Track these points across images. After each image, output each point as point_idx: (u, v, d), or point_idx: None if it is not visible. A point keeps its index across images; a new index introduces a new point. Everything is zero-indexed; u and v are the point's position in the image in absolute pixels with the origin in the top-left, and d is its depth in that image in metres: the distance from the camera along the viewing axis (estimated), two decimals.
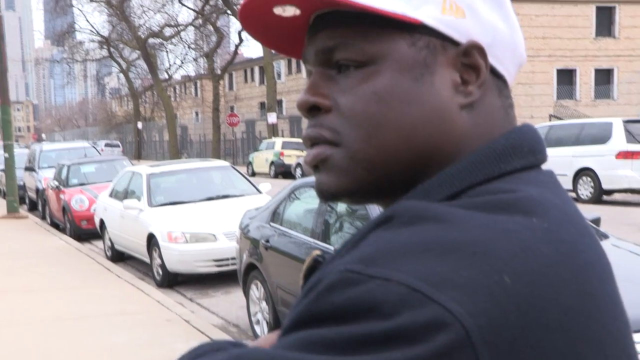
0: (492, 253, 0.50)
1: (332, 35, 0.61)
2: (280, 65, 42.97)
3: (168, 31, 39.82)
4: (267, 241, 5.25)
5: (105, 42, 42.58)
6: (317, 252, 0.71)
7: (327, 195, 0.64)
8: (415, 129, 0.60)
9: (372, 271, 0.50)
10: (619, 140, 11.80)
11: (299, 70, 42.27)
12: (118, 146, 44.13)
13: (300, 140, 26.73)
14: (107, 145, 42.55)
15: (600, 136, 12.11)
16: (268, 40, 0.69)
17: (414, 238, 0.52)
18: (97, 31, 42.89)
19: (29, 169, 15.89)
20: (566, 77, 29.31)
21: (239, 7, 0.62)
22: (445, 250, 0.50)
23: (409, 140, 0.60)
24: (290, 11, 0.63)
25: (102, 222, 9.82)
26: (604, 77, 29.76)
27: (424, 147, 0.60)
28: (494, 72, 0.63)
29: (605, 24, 29.48)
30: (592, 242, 0.57)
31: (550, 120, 23.02)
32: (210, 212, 7.86)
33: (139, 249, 8.36)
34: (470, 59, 0.61)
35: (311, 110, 0.63)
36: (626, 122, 12.11)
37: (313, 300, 0.51)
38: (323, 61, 0.63)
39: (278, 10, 0.63)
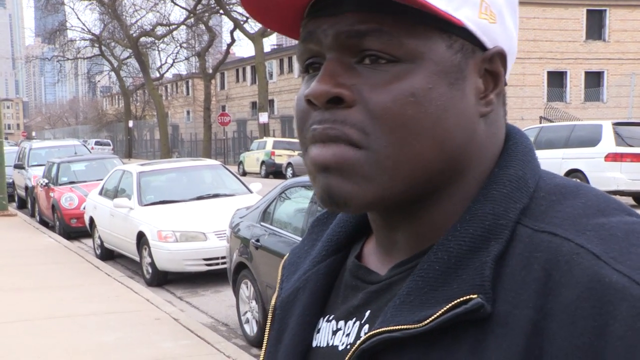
0: None
1: (364, 18, 0.55)
2: (272, 65, 42.99)
3: (160, 30, 39.75)
4: (258, 240, 5.24)
5: (96, 40, 42.44)
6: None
7: (340, 203, 0.58)
8: (448, 138, 0.56)
9: None
10: (608, 143, 11.87)
11: (290, 70, 42.31)
12: (109, 145, 43.95)
13: (291, 139, 26.93)
14: (97, 143, 42.37)
15: (590, 138, 12.18)
16: (267, 18, 0.62)
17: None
18: (88, 29, 42.80)
19: (19, 166, 15.79)
20: (556, 80, 29.49)
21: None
22: None
23: (441, 148, 0.57)
24: None
25: (91, 220, 9.79)
26: (594, 80, 29.96)
27: (453, 157, 0.57)
28: None
29: (595, 27, 29.68)
30: None
31: (540, 122, 23.14)
32: (201, 211, 7.85)
33: (128, 248, 8.34)
34: (492, 66, 0.59)
35: (329, 102, 0.56)
36: (615, 124, 12.18)
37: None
38: (346, 46, 0.57)
39: None
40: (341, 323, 0.63)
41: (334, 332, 0.64)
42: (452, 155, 0.57)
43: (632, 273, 0.49)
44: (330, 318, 0.65)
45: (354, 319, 0.62)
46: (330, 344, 0.63)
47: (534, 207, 0.56)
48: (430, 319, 0.53)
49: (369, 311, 0.60)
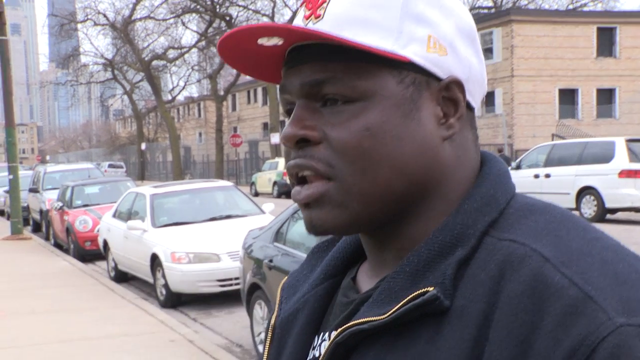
0: None
1: (321, 69, 0.61)
2: None
3: (172, 53, 40.14)
4: (271, 261, 5.23)
5: (109, 64, 42.90)
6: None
7: (319, 231, 0.64)
8: (407, 163, 0.61)
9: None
10: (621, 159, 11.78)
11: None
12: (122, 167, 44.20)
13: None
14: (110, 166, 42.62)
15: (603, 155, 12.10)
16: (244, 67, 0.68)
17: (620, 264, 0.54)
18: (101, 54, 43.28)
19: (33, 190, 15.92)
20: (568, 97, 29.37)
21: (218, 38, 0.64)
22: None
23: (402, 173, 0.61)
24: (273, 41, 0.62)
25: (105, 242, 9.82)
26: (605, 97, 29.82)
27: (416, 179, 0.62)
28: (467, 105, 0.65)
29: (606, 44, 29.61)
30: None
31: (552, 139, 23.06)
32: (214, 232, 7.86)
33: (142, 270, 8.36)
34: (450, 93, 0.63)
35: (298, 142, 0.62)
36: (629, 141, 12.11)
37: None
38: (309, 93, 0.63)
39: (262, 40, 0.62)
40: (326, 335, 0.68)
41: (320, 344, 0.68)
42: (415, 178, 0.62)
43: (574, 277, 0.52)
44: (323, 334, 0.69)
45: (339, 329, 0.65)
46: (316, 355, 0.68)
47: (502, 221, 0.60)
48: (392, 310, 0.58)
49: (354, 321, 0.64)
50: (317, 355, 0.67)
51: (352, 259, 0.74)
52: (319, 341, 0.69)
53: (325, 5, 0.62)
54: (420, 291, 0.58)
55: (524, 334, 0.51)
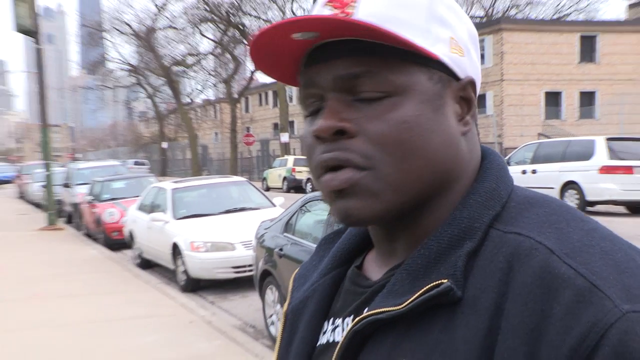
0: None
1: (356, 63, 0.58)
2: (292, 89, 43.01)
3: (190, 60, 40.05)
4: (281, 250, 5.24)
5: (133, 70, 42.87)
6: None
7: (354, 221, 0.60)
8: (437, 155, 0.59)
9: None
10: (601, 156, 11.73)
11: None
12: (145, 164, 44.23)
13: None
14: (135, 163, 42.63)
15: (585, 153, 12.04)
16: (266, 67, 0.64)
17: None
18: (126, 61, 43.28)
19: (66, 185, 15.95)
20: (553, 99, 29.22)
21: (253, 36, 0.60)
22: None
23: (432, 164, 0.59)
24: (308, 35, 0.58)
25: (131, 233, 9.84)
26: (587, 99, 29.64)
27: (441, 171, 0.60)
28: None
29: (587, 51, 29.42)
30: None
31: (538, 138, 22.97)
32: (229, 223, 7.86)
33: (164, 257, 8.37)
34: (466, 93, 0.62)
35: (335, 134, 0.59)
36: (608, 139, 12.04)
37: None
38: (343, 87, 0.59)
39: (297, 35, 0.58)
40: (339, 321, 0.66)
41: (333, 330, 0.66)
42: (442, 168, 0.60)
43: (579, 267, 0.51)
44: (333, 320, 0.68)
45: (352, 316, 0.64)
46: (330, 340, 0.66)
47: (505, 214, 0.59)
48: (408, 301, 0.56)
49: (366, 309, 0.62)
50: (330, 340, 0.66)
51: (358, 249, 0.72)
52: (329, 326, 0.67)
53: (354, 4, 0.59)
54: (434, 283, 0.56)
55: (535, 322, 0.50)
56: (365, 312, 0.59)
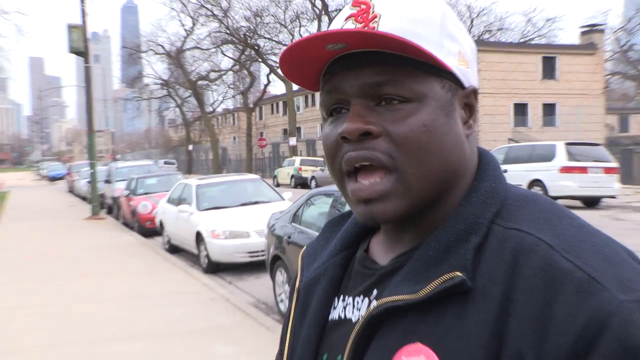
0: None
1: (380, 72, 0.57)
2: (300, 100, 43.07)
3: (213, 75, 40.08)
4: (289, 237, 5.22)
5: (165, 84, 42.90)
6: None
7: (378, 221, 0.58)
8: (449, 155, 0.58)
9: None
10: (561, 158, 11.89)
11: (314, 103, 42.32)
12: (174, 164, 44.26)
13: (315, 158, 26.75)
14: (165, 163, 42.66)
15: (547, 155, 12.19)
16: (294, 75, 0.62)
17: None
18: (159, 76, 43.27)
19: (107, 181, 15.92)
20: (520, 110, 29.29)
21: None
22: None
23: (445, 164, 0.58)
24: (339, 46, 0.57)
25: (161, 222, 9.83)
26: (549, 110, 29.76)
27: (452, 170, 0.59)
28: None
29: (549, 69, 29.60)
30: None
31: (508, 142, 22.93)
32: (245, 214, 7.85)
33: (189, 243, 8.34)
34: (469, 99, 0.61)
35: (361, 135, 0.57)
36: (567, 144, 12.23)
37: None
38: (368, 94, 0.58)
39: (330, 47, 0.57)
40: (349, 299, 0.64)
41: (345, 307, 0.64)
42: (452, 168, 0.59)
43: (576, 261, 0.51)
44: (343, 297, 0.66)
45: (362, 297, 0.62)
46: (342, 317, 0.64)
47: (504, 211, 0.58)
48: (425, 290, 0.54)
49: (375, 290, 0.61)
50: (341, 316, 0.64)
51: (363, 232, 0.70)
52: (339, 303, 0.66)
53: (377, 19, 0.57)
54: (448, 275, 0.54)
55: (540, 310, 0.49)
56: (384, 299, 0.57)
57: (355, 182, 0.58)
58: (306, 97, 43.23)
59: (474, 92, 0.62)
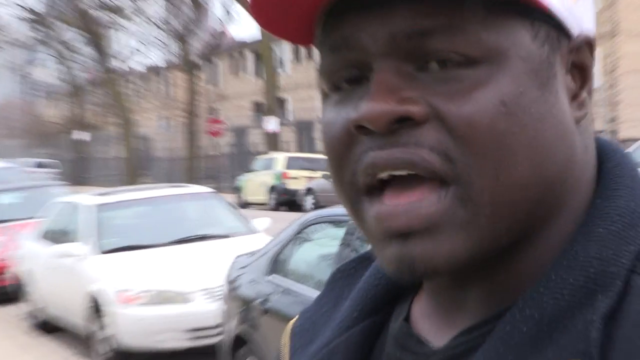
0: None
1: (426, 13, 0.59)
2: (284, 50, 43.36)
3: (125, 3, 40.39)
4: (266, 301, 5.29)
5: (37, 19, 43.24)
6: None
7: (423, 273, 0.61)
8: (548, 155, 0.61)
9: None
10: None
11: (310, 56, 42.54)
12: (53, 166, 44.47)
13: (312, 155, 26.88)
14: (38, 165, 42.88)
15: None
16: (274, 20, 0.67)
17: None
18: (28, 6, 43.59)
19: None
20: None
21: None
22: None
23: (541, 170, 0.61)
24: None
25: (25, 275, 9.89)
26: None
27: (552, 181, 0.62)
28: None
29: None
30: None
31: None
32: (183, 260, 7.92)
33: (77, 315, 8.35)
34: (580, 57, 0.65)
35: (393, 123, 0.60)
36: None
37: None
38: (404, 51, 0.61)
39: None
40: None
41: None
42: (552, 177, 0.62)
43: None
44: None
45: None
46: None
47: None
48: None
49: None
50: None
51: (396, 290, 0.74)
52: None
53: None
54: None
55: None
56: None
57: (382, 204, 0.61)
58: (297, 45, 43.50)
59: (589, 44, 0.64)
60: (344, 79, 0.64)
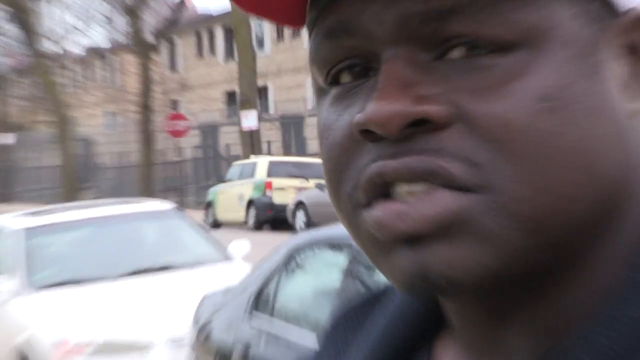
0: None
1: None
2: (263, 27, 43.48)
3: None
4: (247, 349, 5.30)
5: None
6: None
7: (441, 287, 0.61)
8: (598, 159, 0.61)
9: None
10: None
11: (297, 34, 42.68)
12: None
13: (301, 159, 26.83)
14: None
15: None
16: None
17: None
18: None
19: None
20: None
21: None
22: None
23: (591, 179, 0.61)
24: None
25: None
26: None
27: (605, 189, 0.62)
28: None
29: None
30: None
31: None
32: (139, 298, 7.97)
33: None
34: (633, 37, 0.65)
35: (408, 127, 0.60)
36: None
37: None
38: (419, 35, 0.61)
39: None
40: None
41: None
42: (604, 186, 0.62)
43: None
44: None
45: None
46: None
47: None
48: None
49: None
50: None
51: (418, 327, 0.75)
52: None
53: None
54: None
55: None
56: None
57: (384, 206, 0.61)
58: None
59: None
60: (344, 70, 0.65)
